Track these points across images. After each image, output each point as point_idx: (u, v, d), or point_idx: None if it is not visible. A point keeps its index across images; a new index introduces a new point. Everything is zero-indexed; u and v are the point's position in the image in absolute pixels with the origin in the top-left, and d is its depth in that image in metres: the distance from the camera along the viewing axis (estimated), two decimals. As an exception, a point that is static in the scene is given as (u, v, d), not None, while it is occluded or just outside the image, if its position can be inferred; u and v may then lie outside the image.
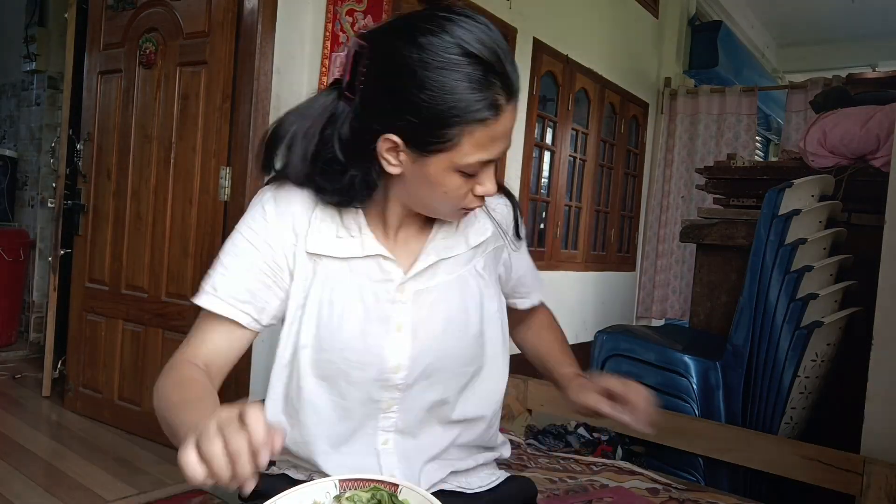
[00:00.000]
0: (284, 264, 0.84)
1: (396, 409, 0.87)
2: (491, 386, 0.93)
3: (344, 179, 0.80)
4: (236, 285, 0.83)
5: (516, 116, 0.77)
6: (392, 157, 0.77)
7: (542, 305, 1.12)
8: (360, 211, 0.85)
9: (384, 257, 0.85)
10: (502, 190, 0.97)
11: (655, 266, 5.09)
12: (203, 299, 0.83)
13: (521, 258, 1.02)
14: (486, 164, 0.77)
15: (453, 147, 0.73)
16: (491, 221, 0.93)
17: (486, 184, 0.79)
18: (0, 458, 2.22)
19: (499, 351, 0.93)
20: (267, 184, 0.89)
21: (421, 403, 0.87)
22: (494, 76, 0.72)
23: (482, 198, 0.81)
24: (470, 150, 0.74)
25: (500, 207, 0.96)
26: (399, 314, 0.85)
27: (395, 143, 0.75)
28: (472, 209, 0.83)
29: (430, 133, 0.73)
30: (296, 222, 0.84)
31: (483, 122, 0.72)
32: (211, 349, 0.83)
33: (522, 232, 0.98)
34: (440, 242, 0.88)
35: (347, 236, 0.84)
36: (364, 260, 0.85)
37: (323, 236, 0.84)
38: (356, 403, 0.86)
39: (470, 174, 0.77)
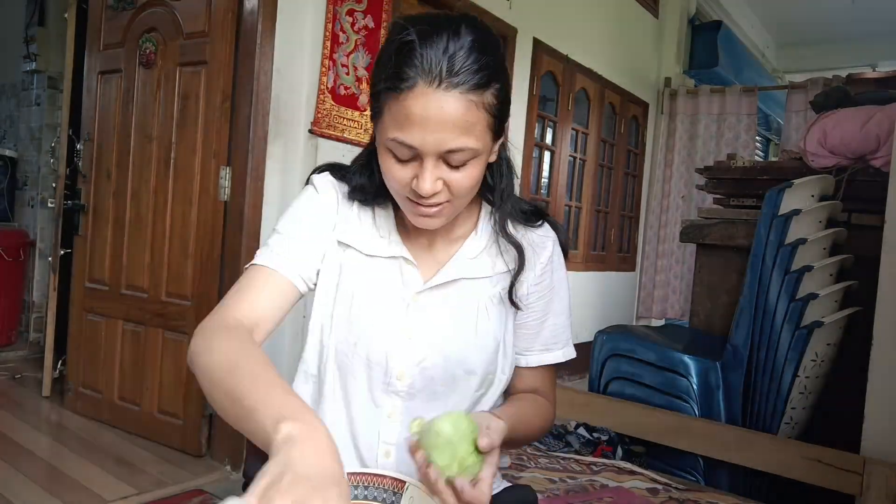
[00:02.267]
0: (326, 238, 0.88)
1: (399, 421, 0.86)
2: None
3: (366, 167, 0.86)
4: (291, 247, 0.85)
5: (449, 110, 0.71)
6: (374, 130, 0.81)
7: (545, 397, 0.96)
8: (392, 213, 0.89)
9: (406, 260, 0.87)
10: (555, 229, 0.94)
11: (655, 266, 5.09)
12: (261, 257, 0.84)
13: (534, 315, 0.92)
14: (410, 151, 0.74)
15: (380, 117, 0.76)
16: (520, 252, 0.88)
17: (419, 178, 0.75)
18: (0, 458, 2.22)
19: (505, 382, 0.91)
20: (314, 172, 0.92)
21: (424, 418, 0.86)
22: (416, 52, 0.70)
23: (422, 198, 0.76)
24: (389, 124, 0.74)
25: (541, 245, 0.91)
26: (412, 321, 0.85)
27: (373, 120, 0.80)
28: (422, 210, 0.78)
29: (372, 96, 0.77)
30: (339, 206, 0.88)
31: (394, 91, 0.71)
32: (264, 305, 0.81)
33: (562, 280, 0.92)
34: (467, 262, 0.88)
35: (377, 236, 0.88)
36: (387, 260, 0.87)
37: (354, 229, 0.88)
38: (360, 408, 0.86)
39: (400, 158, 0.75)
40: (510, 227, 0.88)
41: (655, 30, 5.10)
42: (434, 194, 0.76)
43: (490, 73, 0.73)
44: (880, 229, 1.99)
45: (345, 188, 0.90)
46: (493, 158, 0.83)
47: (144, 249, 2.50)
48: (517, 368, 0.94)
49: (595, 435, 2.40)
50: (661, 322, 4.81)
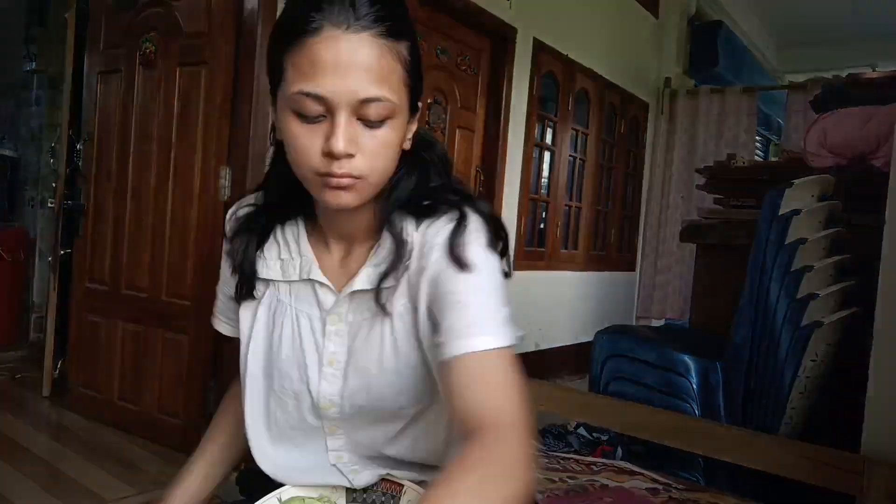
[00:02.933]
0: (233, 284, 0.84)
1: (342, 434, 0.82)
2: (436, 430, 0.81)
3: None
4: (224, 305, 0.90)
5: (362, 54, 0.65)
6: (274, 117, 0.73)
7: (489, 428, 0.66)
8: (301, 224, 0.81)
9: (319, 283, 0.78)
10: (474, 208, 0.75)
11: (655, 266, 5.09)
12: (213, 321, 0.92)
13: (455, 283, 0.70)
14: (319, 106, 0.66)
15: (283, 78, 0.68)
16: (398, 245, 0.74)
17: (330, 139, 0.65)
18: (0, 458, 2.22)
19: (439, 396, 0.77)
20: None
21: (364, 435, 0.82)
22: None
23: (335, 160, 0.66)
24: (293, 78, 0.66)
25: (445, 229, 0.73)
26: (330, 347, 0.78)
27: (272, 98, 0.72)
28: (335, 180, 0.67)
29: (270, 67, 0.70)
30: (249, 244, 0.81)
31: (297, 40, 0.65)
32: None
33: (462, 253, 0.70)
34: (375, 269, 0.75)
35: (289, 257, 0.80)
36: (302, 284, 0.79)
37: (270, 259, 0.81)
38: (300, 426, 0.83)
39: (306, 117, 0.66)
40: (396, 220, 0.75)
41: (655, 30, 5.10)
42: (348, 156, 0.66)
43: (401, 25, 0.67)
44: (880, 229, 1.98)
45: (250, 216, 0.82)
46: (407, 145, 0.74)
47: (144, 249, 2.50)
48: (444, 371, 0.68)
49: (595, 435, 2.40)
50: (661, 322, 4.81)
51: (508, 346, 0.67)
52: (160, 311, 2.45)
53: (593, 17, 4.32)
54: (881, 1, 5.41)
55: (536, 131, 3.96)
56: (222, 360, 2.32)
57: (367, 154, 0.68)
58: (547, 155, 4.16)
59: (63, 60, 2.94)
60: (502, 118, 3.57)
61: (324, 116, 0.66)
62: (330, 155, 0.66)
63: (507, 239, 0.78)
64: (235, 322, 0.85)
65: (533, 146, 3.93)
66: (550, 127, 4.15)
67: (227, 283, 0.86)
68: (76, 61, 2.84)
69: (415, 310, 0.73)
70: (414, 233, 0.74)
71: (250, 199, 0.85)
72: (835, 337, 2.18)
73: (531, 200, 4.01)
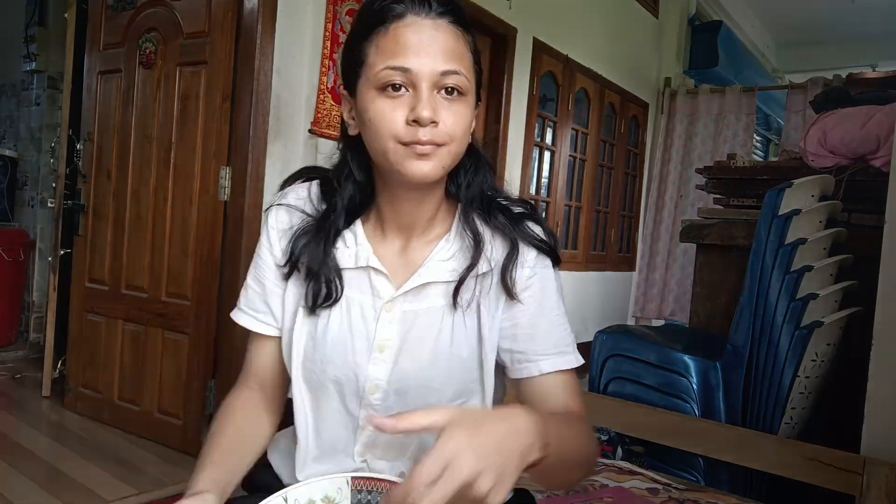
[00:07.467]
0: (281, 273, 0.86)
1: (373, 431, 0.83)
2: None
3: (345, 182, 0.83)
4: (255, 299, 0.87)
5: (440, 36, 0.73)
6: (348, 115, 0.80)
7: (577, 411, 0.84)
8: (358, 221, 0.84)
9: (376, 270, 0.81)
10: (532, 219, 0.86)
11: (655, 266, 5.09)
12: (234, 313, 0.89)
13: (530, 314, 0.83)
14: (403, 77, 0.72)
15: (366, 64, 0.75)
16: (476, 244, 0.81)
17: (416, 107, 0.71)
18: (0, 458, 2.22)
19: (488, 393, 0.84)
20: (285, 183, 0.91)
21: None
22: None
23: (420, 128, 0.72)
24: (378, 59, 0.73)
25: (502, 243, 0.83)
26: (383, 334, 0.81)
27: (346, 96, 0.80)
28: (420, 147, 0.72)
29: (350, 61, 0.77)
30: (326, 244, 0.83)
31: (382, 25, 0.73)
32: (258, 365, 0.89)
33: (510, 280, 0.81)
34: (439, 264, 0.81)
35: (343, 247, 0.83)
36: (356, 271, 0.82)
37: None
38: (333, 415, 0.84)
39: (393, 90, 0.72)
40: (475, 220, 0.82)
41: (655, 30, 5.10)
42: (433, 123, 0.72)
43: (468, 20, 0.77)
44: (880, 229, 1.98)
45: (305, 205, 0.85)
46: (469, 136, 0.80)
47: (144, 249, 2.50)
48: (532, 382, 0.84)
49: (595, 435, 2.40)
50: (661, 322, 4.81)
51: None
52: (160, 311, 2.45)
53: (593, 17, 4.32)
54: (881, 1, 5.41)
55: (536, 131, 3.96)
56: (222, 360, 2.32)
57: (447, 123, 0.73)
58: (547, 155, 4.16)
59: (63, 60, 2.94)
60: (502, 118, 3.57)
61: (407, 90, 0.73)
62: (416, 122, 0.72)
63: (559, 247, 0.92)
64: (263, 316, 0.87)
65: (533, 146, 3.93)
66: (550, 127, 4.15)
67: (267, 275, 0.86)
68: (76, 61, 2.84)
69: (478, 307, 0.81)
70: (489, 239, 0.82)
71: (295, 193, 0.87)
72: (835, 337, 2.18)
73: (531, 200, 4.01)
